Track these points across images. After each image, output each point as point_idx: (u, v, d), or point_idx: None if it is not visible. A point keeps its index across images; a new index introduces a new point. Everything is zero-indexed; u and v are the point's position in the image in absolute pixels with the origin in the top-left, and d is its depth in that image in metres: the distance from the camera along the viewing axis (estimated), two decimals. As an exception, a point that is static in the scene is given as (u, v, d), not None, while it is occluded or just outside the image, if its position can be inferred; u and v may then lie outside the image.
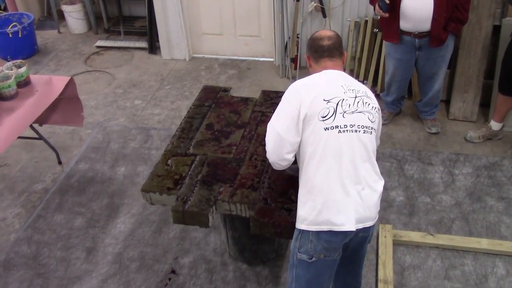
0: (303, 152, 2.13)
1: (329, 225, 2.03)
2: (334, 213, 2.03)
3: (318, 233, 2.06)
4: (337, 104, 2.08)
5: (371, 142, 2.12)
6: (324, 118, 2.07)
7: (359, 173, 2.07)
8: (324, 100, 2.08)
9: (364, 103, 2.13)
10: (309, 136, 2.09)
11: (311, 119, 2.08)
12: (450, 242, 3.16)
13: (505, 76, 3.79)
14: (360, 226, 2.07)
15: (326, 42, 2.25)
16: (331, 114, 2.07)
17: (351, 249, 2.24)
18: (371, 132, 2.13)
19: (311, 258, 2.12)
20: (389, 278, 2.92)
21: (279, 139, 2.13)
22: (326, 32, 2.31)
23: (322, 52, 2.25)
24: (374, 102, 2.19)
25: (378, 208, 2.15)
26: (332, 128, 2.06)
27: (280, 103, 2.20)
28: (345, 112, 2.08)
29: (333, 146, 2.05)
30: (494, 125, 4.02)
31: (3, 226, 3.52)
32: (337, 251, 2.13)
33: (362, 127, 2.09)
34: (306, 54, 2.35)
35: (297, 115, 2.09)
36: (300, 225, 2.12)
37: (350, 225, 2.03)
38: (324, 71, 2.22)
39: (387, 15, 3.70)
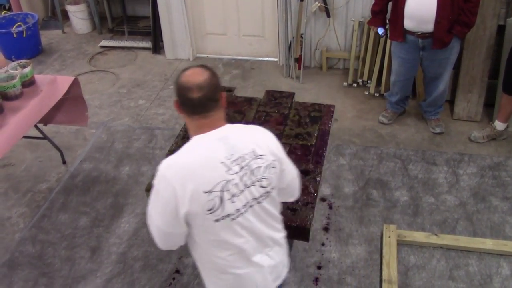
0: (196, 236, 1.85)
1: None
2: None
3: None
4: (222, 191, 1.74)
5: (272, 202, 1.89)
6: (211, 211, 1.74)
7: (264, 240, 1.90)
8: (204, 192, 1.72)
9: (253, 171, 1.79)
10: (199, 228, 1.80)
11: (195, 216, 1.75)
12: (455, 242, 3.15)
13: (510, 76, 3.78)
14: (278, 282, 2.02)
15: (196, 94, 1.75)
16: (218, 205, 1.75)
17: None
18: (268, 195, 1.86)
19: None
20: (393, 278, 2.91)
21: (163, 234, 1.82)
22: (195, 77, 1.77)
23: (193, 108, 1.78)
24: (266, 158, 1.82)
25: (286, 255, 2.07)
26: (224, 217, 1.77)
27: (153, 190, 1.79)
28: (233, 196, 1.76)
29: (228, 234, 1.80)
30: (499, 125, 4.01)
31: (7, 225, 3.53)
32: None
33: (255, 199, 1.82)
34: (174, 99, 1.85)
35: (174, 211, 1.74)
36: None
37: None
38: (198, 140, 1.80)
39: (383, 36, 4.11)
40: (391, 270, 2.96)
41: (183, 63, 5.52)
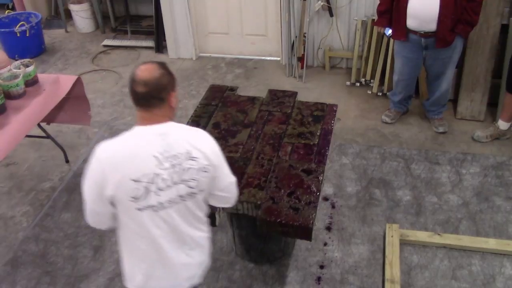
0: (120, 220, 1.94)
1: None
2: (162, 282, 2.01)
3: None
4: (148, 183, 1.81)
5: (197, 203, 1.95)
6: (135, 200, 1.82)
7: (184, 238, 1.97)
8: (132, 180, 1.79)
9: (184, 170, 1.85)
10: (123, 213, 1.89)
11: (120, 201, 1.84)
12: (457, 242, 3.15)
13: None
14: (193, 282, 2.08)
15: (140, 89, 1.81)
16: (143, 194, 1.82)
17: None
18: (194, 196, 1.91)
19: None
20: (396, 278, 2.91)
21: (90, 209, 1.93)
22: (144, 73, 1.83)
23: (137, 100, 1.84)
24: (199, 162, 1.87)
25: (207, 256, 2.14)
26: (145, 208, 1.84)
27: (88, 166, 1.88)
28: (159, 189, 1.83)
29: (148, 225, 1.88)
30: (502, 124, 4.00)
31: (11, 224, 3.54)
32: None
33: (181, 197, 1.88)
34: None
35: (100, 192, 1.83)
36: (128, 283, 2.08)
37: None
38: (138, 131, 1.87)
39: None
40: (394, 269, 2.96)
41: (186, 62, 5.53)
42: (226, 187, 2.03)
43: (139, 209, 1.84)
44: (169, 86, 1.87)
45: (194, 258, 2.04)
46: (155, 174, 1.81)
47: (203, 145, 1.90)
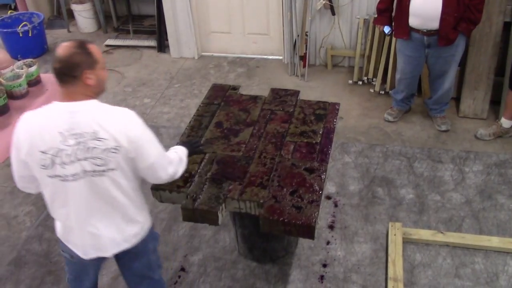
0: (40, 183, 2.11)
1: (69, 250, 2.26)
2: (71, 242, 2.23)
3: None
4: (53, 156, 1.97)
5: (111, 181, 2.05)
6: (44, 168, 1.99)
7: (93, 211, 2.10)
8: (39, 151, 1.96)
9: (88, 149, 1.96)
10: (39, 178, 2.06)
11: (33, 167, 2.03)
12: (461, 240, 3.14)
13: None
14: (100, 254, 2.23)
15: (55, 65, 1.96)
16: (50, 165, 1.98)
17: (121, 262, 2.42)
18: (104, 174, 2.02)
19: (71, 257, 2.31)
20: (399, 276, 2.91)
21: (15, 172, 2.12)
22: (60, 50, 1.96)
23: (55, 76, 1.98)
24: (106, 143, 1.97)
25: (128, 236, 2.24)
26: (54, 176, 2.01)
27: None
28: (63, 163, 1.97)
29: (60, 192, 2.06)
30: (505, 122, 3.99)
31: (14, 224, 3.55)
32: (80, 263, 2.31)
33: (87, 172, 2.00)
34: None
35: (18, 155, 2.03)
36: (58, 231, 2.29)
37: (82, 254, 2.23)
38: (53, 106, 2.01)
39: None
40: (396, 268, 2.96)
41: (188, 61, 5.53)
42: (148, 167, 2.12)
43: (50, 177, 2.01)
44: (84, 65, 1.96)
45: (101, 231, 2.16)
46: (59, 149, 1.96)
47: (114, 127, 1.98)
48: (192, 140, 2.77)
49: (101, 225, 2.15)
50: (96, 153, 1.97)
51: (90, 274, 2.44)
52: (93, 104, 2.01)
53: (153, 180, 2.27)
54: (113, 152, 1.99)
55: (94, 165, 1.99)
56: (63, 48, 1.96)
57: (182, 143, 2.59)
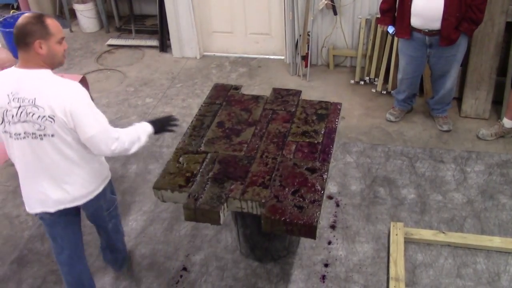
0: None
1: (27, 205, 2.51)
2: (23, 196, 2.50)
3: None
4: (3, 114, 2.22)
5: (52, 145, 2.26)
6: None
7: (37, 169, 2.33)
8: None
9: (28, 114, 2.18)
10: None
11: None
12: (462, 240, 3.14)
13: None
14: (42, 209, 2.46)
15: (14, 31, 2.18)
16: (2, 121, 2.24)
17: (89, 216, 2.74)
18: (44, 138, 2.23)
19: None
20: (401, 276, 2.91)
21: None
22: (20, 19, 2.18)
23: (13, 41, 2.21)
24: (42, 111, 2.17)
25: (76, 190, 2.44)
26: (5, 132, 2.27)
27: None
28: (10, 121, 2.22)
29: (11, 148, 2.33)
30: (507, 122, 3.99)
31: (16, 223, 3.56)
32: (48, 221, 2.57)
33: (32, 134, 2.23)
34: None
35: None
36: None
37: (28, 209, 2.51)
38: (8, 70, 2.26)
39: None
40: (398, 268, 2.96)
41: (190, 61, 5.54)
42: (87, 140, 2.27)
43: (3, 132, 2.27)
44: (36, 34, 2.14)
45: (45, 188, 2.38)
46: (6, 109, 2.20)
47: (52, 98, 2.16)
48: (164, 117, 2.78)
49: (44, 184, 2.37)
50: (34, 119, 2.18)
51: (58, 230, 2.62)
52: (41, 74, 2.20)
53: (97, 152, 2.36)
54: (48, 121, 2.18)
55: (34, 129, 2.21)
56: (22, 18, 2.17)
57: (151, 120, 2.65)
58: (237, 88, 3.38)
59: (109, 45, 5.94)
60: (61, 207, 2.45)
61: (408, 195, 3.56)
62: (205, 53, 5.66)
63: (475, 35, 4.10)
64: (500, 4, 4.02)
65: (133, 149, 2.43)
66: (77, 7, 6.15)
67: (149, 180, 3.79)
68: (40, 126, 2.19)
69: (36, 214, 2.55)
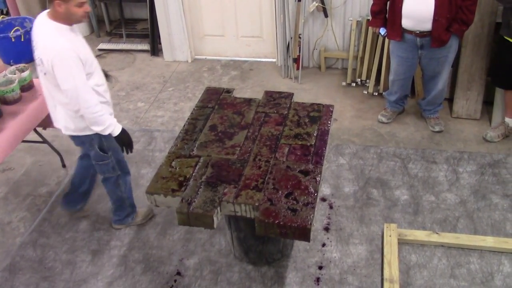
0: None
1: None
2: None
3: None
4: (34, 47, 2.78)
5: (48, 80, 2.77)
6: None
7: (49, 98, 2.92)
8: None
9: (37, 49, 2.74)
10: None
11: None
12: (456, 241, 3.15)
13: (506, 72, 3.79)
14: (58, 127, 3.02)
15: None
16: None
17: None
18: (44, 74, 2.75)
19: None
20: (395, 277, 2.91)
21: None
22: None
23: None
24: (40, 52, 2.71)
25: (69, 122, 2.92)
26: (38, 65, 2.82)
27: None
28: (36, 59, 2.79)
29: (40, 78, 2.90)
30: (510, 121, 4.01)
31: (8, 230, 3.53)
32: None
33: (40, 69, 2.78)
34: None
35: None
36: None
37: (54, 122, 3.06)
38: (40, 17, 2.79)
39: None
40: (392, 269, 2.96)
41: (182, 65, 5.53)
42: (64, 91, 2.71)
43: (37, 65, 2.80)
44: None
45: (57, 113, 2.93)
46: (34, 45, 2.77)
47: (43, 48, 2.68)
48: (129, 139, 3.09)
49: (56, 110, 2.93)
50: (37, 57, 2.74)
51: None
52: (49, 25, 2.68)
53: (71, 106, 2.80)
54: (41, 62, 2.71)
55: (41, 64, 2.72)
56: None
57: (124, 130, 3.06)
58: (229, 91, 3.37)
59: (100, 50, 5.92)
60: (66, 133, 2.99)
61: (401, 196, 3.56)
62: (197, 57, 5.65)
63: (466, 36, 4.13)
64: (490, 4, 4.05)
65: (93, 127, 2.86)
66: (67, 11, 6.11)
67: (141, 185, 3.77)
68: (39, 64, 2.73)
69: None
